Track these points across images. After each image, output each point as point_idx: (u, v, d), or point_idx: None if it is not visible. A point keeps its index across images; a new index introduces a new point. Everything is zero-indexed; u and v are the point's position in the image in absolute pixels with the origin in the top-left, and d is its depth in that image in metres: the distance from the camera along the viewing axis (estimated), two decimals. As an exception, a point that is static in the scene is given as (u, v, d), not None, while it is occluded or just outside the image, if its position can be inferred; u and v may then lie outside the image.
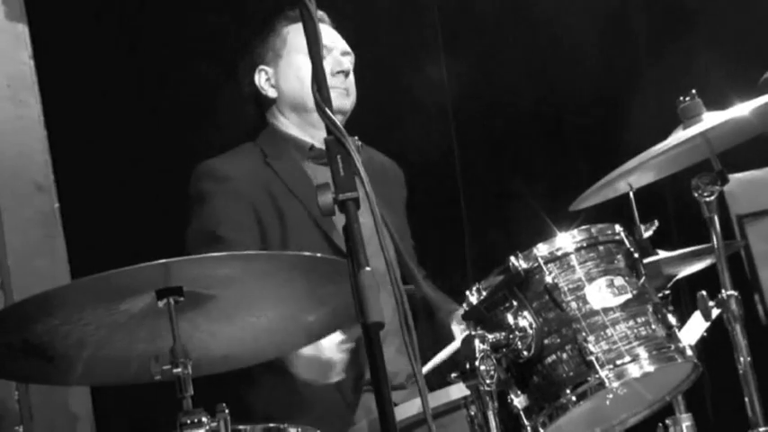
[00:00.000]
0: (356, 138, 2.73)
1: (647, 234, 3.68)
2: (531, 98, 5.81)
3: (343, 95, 4.44)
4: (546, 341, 3.45)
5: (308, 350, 3.91)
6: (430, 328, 4.34)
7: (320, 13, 4.39)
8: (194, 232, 4.24)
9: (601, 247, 3.55)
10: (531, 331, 3.45)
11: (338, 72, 4.44)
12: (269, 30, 4.59)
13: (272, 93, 4.53)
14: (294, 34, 4.49)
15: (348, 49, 4.54)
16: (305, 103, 4.38)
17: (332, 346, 3.94)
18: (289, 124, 4.51)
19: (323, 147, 4.26)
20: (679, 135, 3.89)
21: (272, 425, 3.49)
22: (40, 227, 4.89)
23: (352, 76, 4.49)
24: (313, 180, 4.33)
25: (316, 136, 4.43)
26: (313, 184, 4.31)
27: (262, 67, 4.54)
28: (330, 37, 4.51)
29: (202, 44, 5.28)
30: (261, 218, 4.26)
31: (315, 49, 2.99)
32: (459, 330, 4.10)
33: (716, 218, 3.89)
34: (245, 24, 4.98)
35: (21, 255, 4.82)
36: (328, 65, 4.41)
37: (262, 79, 4.54)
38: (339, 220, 4.12)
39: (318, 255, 3.78)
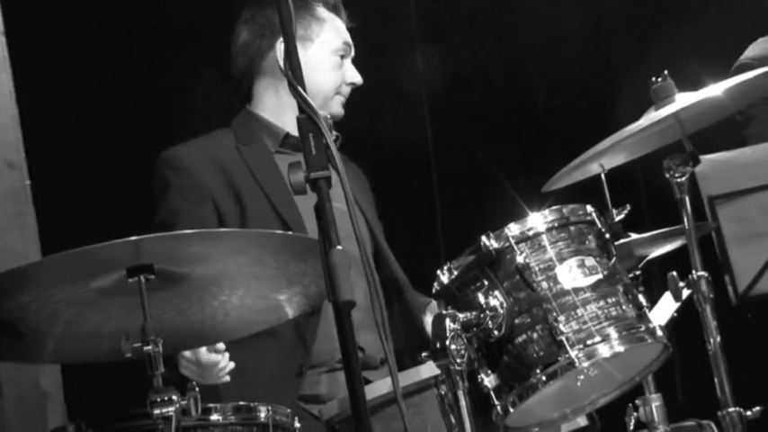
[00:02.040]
0: (328, 116, 2.74)
1: (618, 218, 3.69)
2: (504, 81, 5.82)
3: (342, 105, 4.41)
4: (516, 321, 3.46)
5: (187, 353, 3.89)
6: (400, 310, 4.35)
7: (341, 5, 4.42)
8: (157, 226, 4.20)
9: (572, 228, 3.55)
10: (501, 311, 3.46)
11: (352, 84, 4.41)
12: (304, 5, 4.41)
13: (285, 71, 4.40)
14: (330, 24, 4.41)
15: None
16: (317, 94, 4.28)
17: (205, 352, 3.91)
18: (280, 107, 4.42)
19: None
20: (651, 116, 3.90)
21: (242, 403, 3.50)
22: (11, 204, 4.88)
23: None
24: (281, 169, 4.31)
25: None
26: (281, 173, 4.29)
27: None
28: (349, 38, 4.46)
29: (176, 23, 5.24)
30: (220, 209, 4.22)
31: (289, 30, 2.99)
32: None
33: (687, 199, 3.90)
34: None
35: (-9, 232, 4.82)
36: (349, 71, 4.41)
37: (281, 51, 4.30)
38: (305, 211, 4.16)
39: (289, 233, 3.80)
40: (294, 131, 4.33)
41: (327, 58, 4.37)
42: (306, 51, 4.35)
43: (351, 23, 4.49)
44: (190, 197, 4.20)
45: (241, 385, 3.90)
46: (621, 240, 3.79)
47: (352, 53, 4.47)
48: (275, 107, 4.44)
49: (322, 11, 4.42)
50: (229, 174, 4.28)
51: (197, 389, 3.27)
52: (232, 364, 3.92)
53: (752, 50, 5.04)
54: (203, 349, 3.86)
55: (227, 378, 3.92)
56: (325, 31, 4.40)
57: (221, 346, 3.87)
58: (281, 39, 4.26)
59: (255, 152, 4.36)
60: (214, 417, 3.44)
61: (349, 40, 4.45)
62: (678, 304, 3.95)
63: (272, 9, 4.38)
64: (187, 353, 3.89)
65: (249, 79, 4.47)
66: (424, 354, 3.54)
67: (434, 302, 3.71)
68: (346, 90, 4.42)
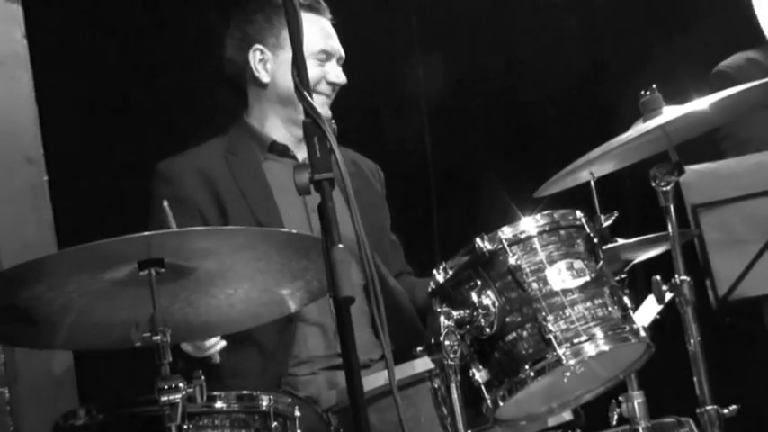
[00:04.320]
0: (332, 121, 2.74)
1: (606, 224, 3.69)
2: (501, 90, 5.81)
3: (326, 104, 4.33)
4: (507, 319, 3.46)
5: None
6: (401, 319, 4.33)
7: (321, 3, 4.36)
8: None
9: (562, 232, 3.55)
10: (493, 309, 3.46)
11: (333, 84, 4.34)
12: (273, 10, 4.35)
13: (264, 78, 4.35)
14: (305, 29, 4.32)
15: (343, 54, 4.40)
16: (289, 98, 4.23)
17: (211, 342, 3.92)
18: (264, 116, 4.39)
19: (285, 143, 4.30)
20: (639, 127, 3.90)
21: (245, 392, 3.51)
22: (29, 198, 4.88)
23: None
24: (268, 176, 4.29)
25: (290, 132, 4.36)
26: (266, 180, 4.28)
27: (258, 46, 4.35)
28: (332, 40, 4.37)
29: (191, 29, 5.23)
30: (205, 217, 4.21)
31: (296, 37, 2.99)
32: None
33: (672, 207, 3.91)
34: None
35: (10, 224, 4.82)
36: (330, 71, 4.33)
37: (255, 59, 4.35)
38: (286, 216, 4.15)
39: (294, 231, 3.80)
40: (279, 138, 4.35)
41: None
42: (277, 58, 4.34)
43: (334, 20, 4.40)
44: (176, 209, 4.18)
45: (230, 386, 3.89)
46: (609, 245, 3.78)
47: (339, 54, 4.38)
48: (260, 116, 4.41)
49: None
50: (214, 184, 4.25)
51: (203, 377, 3.28)
52: (223, 342, 3.92)
53: (731, 59, 5.04)
54: None
55: (217, 356, 3.92)
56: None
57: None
58: (253, 49, 4.33)
59: (242, 161, 4.33)
60: (218, 404, 3.45)
61: (328, 45, 4.35)
62: (661, 306, 3.95)
63: (246, 21, 4.38)
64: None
65: (242, 90, 4.44)
66: (419, 348, 3.55)
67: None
68: (327, 89, 4.35)
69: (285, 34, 4.25)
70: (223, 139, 4.40)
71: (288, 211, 4.20)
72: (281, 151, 4.33)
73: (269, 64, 4.35)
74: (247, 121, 4.41)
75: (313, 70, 4.25)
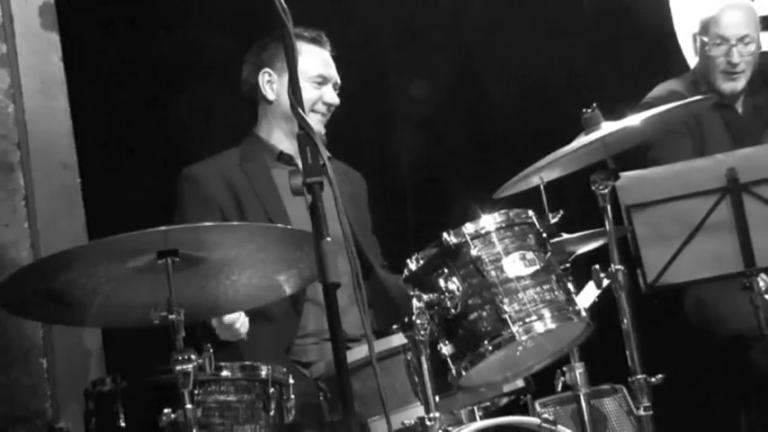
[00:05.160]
0: (323, 133, 2.74)
1: (553, 221, 3.69)
2: (465, 111, 5.76)
3: (322, 122, 4.31)
4: (470, 301, 3.46)
5: (214, 321, 3.89)
6: (384, 303, 4.32)
7: (323, 37, 4.36)
8: (175, 223, 4.16)
9: (516, 228, 3.55)
10: (458, 293, 3.46)
11: (328, 104, 4.31)
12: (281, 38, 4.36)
13: (270, 95, 4.33)
14: (307, 56, 4.27)
15: (339, 80, 4.38)
16: (291, 115, 4.20)
17: (229, 315, 3.91)
18: (271, 129, 4.37)
19: (291, 153, 4.30)
20: (582, 139, 3.90)
21: (246, 363, 3.50)
22: (65, 197, 4.87)
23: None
24: (276, 181, 4.28)
25: (293, 143, 4.30)
26: (276, 185, 4.27)
27: (267, 69, 4.33)
28: (330, 68, 4.35)
29: (213, 51, 5.19)
30: (225, 214, 4.18)
31: (292, 62, 2.98)
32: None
33: (609, 207, 3.91)
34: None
35: (48, 220, 4.81)
36: (326, 93, 4.31)
37: (264, 80, 4.33)
38: (292, 214, 4.15)
39: (288, 227, 3.79)
40: (286, 149, 4.34)
41: (305, 86, 4.26)
42: (282, 79, 4.31)
43: (334, 52, 4.39)
44: (200, 206, 4.17)
45: (244, 356, 3.87)
46: (555, 239, 3.79)
47: (335, 80, 4.35)
48: (268, 129, 4.38)
49: (299, 44, 4.23)
50: (233, 187, 4.24)
51: (211, 350, 3.27)
52: (247, 321, 3.92)
53: (655, 92, 5.06)
54: (230, 318, 3.87)
55: (244, 335, 3.92)
56: (300, 62, 4.27)
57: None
58: (262, 71, 4.32)
59: (255, 168, 4.31)
60: (224, 373, 3.43)
61: (326, 71, 4.32)
62: (599, 291, 3.95)
63: (260, 48, 4.38)
64: (215, 321, 3.89)
65: (254, 107, 4.43)
66: (394, 326, 3.56)
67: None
68: (323, 108, 4.32)
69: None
70: (238, 149, 4.38)
71: (293, 211, 4.20)
72: (287, 160, 4.33)
73: (275, 84, 4.34)
74: (257, 133, 4.40)
75: (312, 92, 4.29)
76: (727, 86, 4.96)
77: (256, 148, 4.36)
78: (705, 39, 4.97)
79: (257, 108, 4.42)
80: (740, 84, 4.98)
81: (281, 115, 4.34)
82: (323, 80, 4.31)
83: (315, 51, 4.35)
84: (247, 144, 4.39)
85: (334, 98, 4.34)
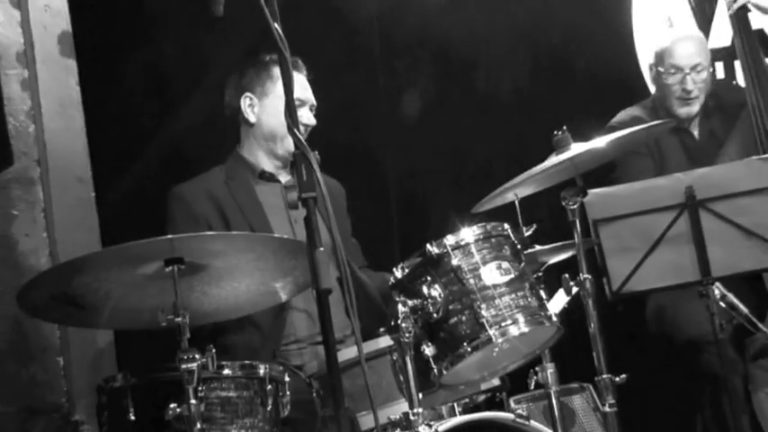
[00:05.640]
0: (316, 152, 2.73)
1: (527, 233, 3.69)
2: (447, 129, 5.74)
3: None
4: (450, 307, 3.45)
5: None
6: (365, 303, 4.30)
7: (299, 62, 4.33)
8: None
9: (493, 239, 3.55)
10: (439, 299, 3.45)
11: (305, 125, 4.24)
12: (261, 65, 4.31)
13: (252, 118, 4.29)
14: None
15: (314, 102, 4.35)
16: (275, 136, 4.22)
17: None
18: (253, 149, 4.32)
19: (272, 171, 4.27)
20: (553, 159, 3.91)
21: (246, 362, 3.48)
22: (80, 209, 4.86)
23: None
24: (260, 197, 4.24)
25: (273, 162, 4.30)
26: (259, 201, 4.24)
27: (248, 94, 4.29)
28: (307, 91, 4.32)
29: (214, 63, 5.15)
30: (212, 229, 4.12)
31: (288, 85, 2.98)
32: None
33: (577, 221, 3.91)
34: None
35: (65, 230, 4.79)
36: (303, 115, 4.24)
37: (245, 104, 4.29)
38: (276, 230, 4.12)
39: (285, 236, 3.78)
40: (267, 168, 4.31)
41: (279, 107, 4.23)
42: (262, 103, 4.29)
43: (310, 75, 4.34)
44: (189, 223, 4.12)
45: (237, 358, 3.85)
46: (529, 250, 3.79)
47: (311, 102, 4.31)
48: (250, 149, 4.33)
49: (277, 70, 4.11)
50: (219, 203, 4.20)
51: (213, 350, 3.26)
52: None
53: (619, 116, 5.07)
54: None
55: None
56: (278, 87, 4.23)
57: None
58: (243, 96, 4.28)
59: (239, 185, 4.26)
60: (226, 371, 3.42)
61: (302, 95, 4.28)
62: (569, 298, 3.95)
63: (240, 74, 4.32)
64: None
65: (236, 128, 4.38)
66: (381, 329, 3.55)
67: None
68: (301, 129, 4.29)
69: (269, 85, 4.28)
70: (222, 167, 4.34)
71: (276, 223, 4.18)
72: (268, 177, 4.30)
73: (256, 108, 4.31)
74: (240, 153, 4.36)
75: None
76: (683, 111, 4.98)
77: (239, 167, 4.32)
78: (661, 69, 4.99)
79: (239, 129, 4.37)
80: (695, 108, 4.99)
81: (261, 136, 4.30)
82: (300, 103, 4.28)
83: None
84: (231, 162, 4.35)
85: (310, 119, 4.30)
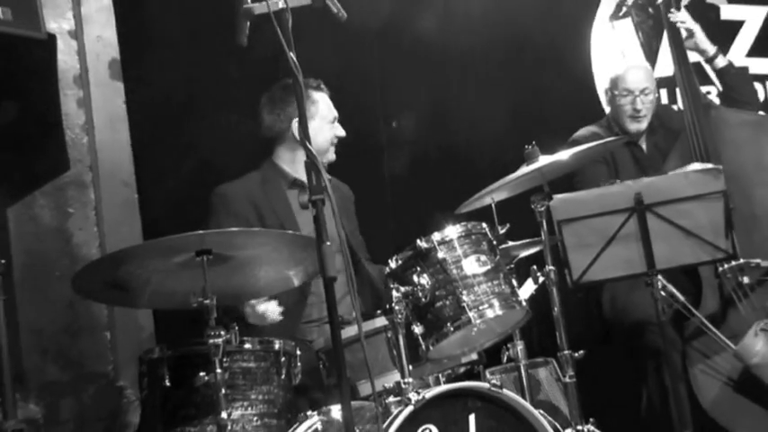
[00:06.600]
0: (325, 162, 2.72)
1: (501, 231, 3.67)
2: (435, 144, 5.70)
3: (333, 150, 4.26)
4: (436, 293, 3.43)
5: (248, 309, 3.86)
6: (369, 289, 4.28)
7: (322, 85, 4.29)
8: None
9: (473, 236, 3.53)
10: (427, 287, 3.43)
11: (340, 137, 4.26)
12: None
13: (299, 136, 4.29)
14: (321, 102, 4.22)
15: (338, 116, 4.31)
16: (320, 150, 4.09)
17: (263, 305, 3.87)
18: (290, 159, 4.27)
19: (303, 179, 4.23)
20: (524, 169, 3.89)
21: (264, 338, 3.47)
22: (125, 209, 4.85)
23: None
24: (290, 201, 4.21)
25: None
26: (290, 204, 4.21)
27: (296, 119, 4.14)
28: (333, 109, 4.28)
29: (241, 80, 5.11)
30: (250, 224, 4.10)
31: (301, 104, 2.96)
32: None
33: (544, 221, 3.89)
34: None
35: (112, 226, 4.79)
36: (338, 129, 4.24)
37: (295, 127, 4.17)
38: (303, 226, 4.10)
39: (297, 233, 3.76)
40: (300, 177, 4.27)
41: (324, 126, 4.24)
42: (311, 124, 4.24)
43: (330, 92, 4.30)
44: (230, 217, 4.11)
45: (263, 332, 3.83)
46: (503, 245, 3.77)
47: (337, 116, 4.29)
48: (288, 161, 4.28)
49: (314, 93, 4.22)
50: (256, 204, 4.17)
51: (236, 327, 3.24)
52: (279, 310, 3.89)
53: (579, 132, 5.05)
54: (255, 302, 3.84)
55: (276, 318, 3.88)
56: (319, 109, 4.24)
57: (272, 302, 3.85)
58: (294, 120, 4.23)
59: (274, 189, 4.23)
60: (247, 345, 3.41)
61: (335, 111, 4.27)
62: (536, 286, 3.93)
63: (285, 103, 4.23)
64: (248, 309, 3.85)
65: (273, 144, 4.32)
66: (378, 311, 3.53)
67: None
68: (335, 140, 4.28)
69: (312, 109, 4.21)
70: (258, 173, 4.30)
71: (303, 224, 4.15)
72: (299, 185, 4.26)
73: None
74: (276, 162, 4.31)
75: (329, 133, 4.24)
76: (634, 127, 4.98)
77: (275, 174, 4.30)
78: (615, 92, 5.00)
79: (278, 145, 4.30)
80: (643, 125, 5.00)
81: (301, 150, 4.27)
82: (334, 119, 4.29)
83: (324, 98, 4.28)
84: (268, 169, 4.32)
85: (342, 131, 4.29)
